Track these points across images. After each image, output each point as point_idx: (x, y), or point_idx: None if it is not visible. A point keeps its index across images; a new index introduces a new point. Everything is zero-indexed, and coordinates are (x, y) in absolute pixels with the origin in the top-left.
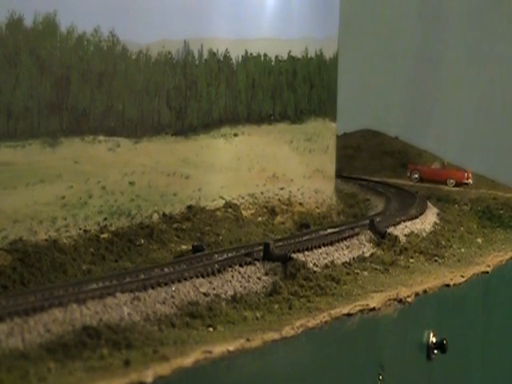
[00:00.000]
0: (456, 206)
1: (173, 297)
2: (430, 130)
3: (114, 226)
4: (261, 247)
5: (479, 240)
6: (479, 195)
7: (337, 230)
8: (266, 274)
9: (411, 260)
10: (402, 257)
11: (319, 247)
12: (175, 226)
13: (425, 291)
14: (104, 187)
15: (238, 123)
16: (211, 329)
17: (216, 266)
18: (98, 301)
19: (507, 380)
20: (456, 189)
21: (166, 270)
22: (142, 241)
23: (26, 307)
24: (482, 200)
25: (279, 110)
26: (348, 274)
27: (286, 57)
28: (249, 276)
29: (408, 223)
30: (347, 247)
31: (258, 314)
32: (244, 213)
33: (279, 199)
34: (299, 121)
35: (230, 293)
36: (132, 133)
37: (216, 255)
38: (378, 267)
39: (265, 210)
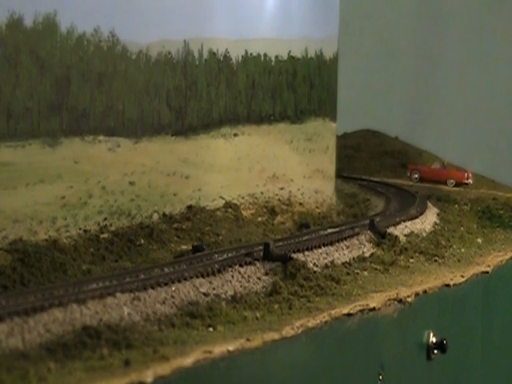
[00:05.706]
0: (456, 206)
1: (173, 297)
2: (429, 130)
3: (113, 226)
4: (261, 247)
5: (479, 240)
6: (479, 195)
7: (337, 229)
8: (266, 273)
9: (411, 260)
10: (402, 257)
11: (319, 247)
12: (175, 226)
13: (425, 291)
14: (104, 187)
15: (237, 123)
16: (211, 329)
17: (216, 265)
18: (98, 301)
19: (507, 380)
20: (456, 189)
21: (166, 269)
22: (142, 241)
23: (25, 307)
24: (482, 200)
25: (279, 110)
26: (348, 273)
27: (285, 57)
28: (249, 276)
29: (408, 223)
30: (347, 247)
31: (258, 314)
32: (244, 213)
33: (279, 199)
34: (299, 121)
35: (230, 293)
36: (132, 133)
37: (216, 255)
38: (377, 267)
39: (265, 209)
